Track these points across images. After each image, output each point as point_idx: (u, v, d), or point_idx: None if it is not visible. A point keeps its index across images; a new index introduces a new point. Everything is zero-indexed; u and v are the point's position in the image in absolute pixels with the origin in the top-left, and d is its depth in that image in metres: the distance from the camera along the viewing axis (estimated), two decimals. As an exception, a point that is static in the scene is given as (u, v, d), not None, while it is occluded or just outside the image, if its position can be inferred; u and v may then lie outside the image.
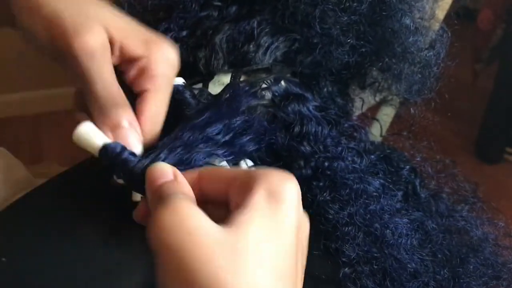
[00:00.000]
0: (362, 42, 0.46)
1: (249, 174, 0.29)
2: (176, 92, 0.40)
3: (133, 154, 0.34)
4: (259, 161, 0.42)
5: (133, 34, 0.35)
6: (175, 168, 0.32)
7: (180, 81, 0.42)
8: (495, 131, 1.74)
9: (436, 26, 0.51)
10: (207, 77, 0.45)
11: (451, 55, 0.51)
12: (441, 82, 0.52)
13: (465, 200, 0.48)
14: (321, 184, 0.42)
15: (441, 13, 0.77)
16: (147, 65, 0.35)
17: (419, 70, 0.49)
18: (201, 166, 0.34)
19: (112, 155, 0.33)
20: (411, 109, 0.52)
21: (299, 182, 0.42)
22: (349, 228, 0.41)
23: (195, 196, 0.31)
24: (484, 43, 1.72)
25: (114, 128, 0.34)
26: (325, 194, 0.42)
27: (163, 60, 0.35)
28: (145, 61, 0.35)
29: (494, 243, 0.46)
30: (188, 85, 0.43)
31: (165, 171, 0.31)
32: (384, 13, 0.45)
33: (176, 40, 0.46)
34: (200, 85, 0.45)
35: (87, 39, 0.32)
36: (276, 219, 0.27)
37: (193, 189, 0.31)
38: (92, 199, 0.40)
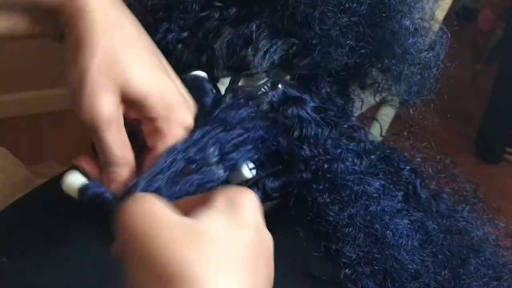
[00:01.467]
0: (361, 43, 0.46)
1: (208, 193, 0.30)
2: (197, 81, 0.42)
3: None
4: (259, 165, 0.43)
5: (155, 94, 0.35)
6: None
7: (203, 74, 0.43)
8: (495, 131, 1.74)
9: (436, 27, 0.51)
10: (213, 80, 0.45)
11: (450, 55, 0.50)
12: (441, 82, 0.51)
13: (465, 200, 0.48)
14: (321, 186, 0.42)
15: (441, 14, 0.77)
16: (162, 127, 0.36)
17: (419, 71, 0.49)
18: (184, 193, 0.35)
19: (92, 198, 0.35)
20: (411, 110, 0.52)
21: (299, 184, 0.43)
22: (350, 229, 0.41)
23: None
24: (484, 43, 1.71)
25: (117, 181, 0.36)
26: (325, 196, 0.42)
27: (178, 124, 0.36)
28: (161, 123, 0.36)
29: (495, 244, 0.46)
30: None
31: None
32: (383, 14, 0.45)
33: (177, 41, 0.46)
34: None
35: (96, 111, 0.33)
36: (236, 218, 0.28)
37: None
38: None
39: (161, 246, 0.25)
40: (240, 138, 0.38)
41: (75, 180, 0.36)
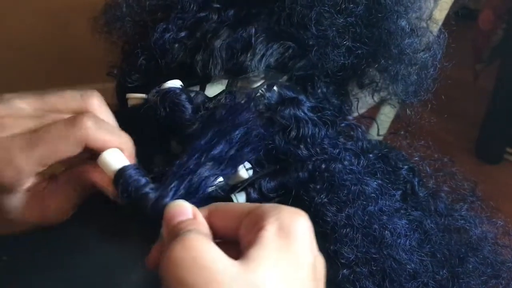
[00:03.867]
0: (358, 43, 0.46)
1: (258, 211, 0.29)
2: (173, 95, 0.41)
3: (145, 178, 0.34)
4: (256, 165, 0.43)
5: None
6: (194, 207, 0.31)
7: (178, 83, 0.42)
8: (495, 131, 1.74)
9: (435, 27, 0.51)
10: (204, 80, 0.45)
11: (449, 56, 0.50)
12: (441, 82, 0.51)
13: (464, 199, 0.48)
14: (318, 186, 0.42)
15: (440, 13, 0.77)
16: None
17: (416, 71, 0.49)
18: (207, 193, 0.35)
19: (129, 186, 0.34)
20: (408, 109, 0.52)
21: (296, 184, 0.43)
22: (347, 229, 0.41)
23: None
24: (484, 43, 1.71)
25: None
26: (322, 196, 0.42)
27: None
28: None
29: (493, 242, 0.46)
30: (185, 86, 0.43)
31: (184, 209, 0.31)
32: (380, 14, 0.45)
33: (175, 40, 0.46)
34: (197, 87, 0.45)
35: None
36: (290, 255, 0.27)
37: None
38: (91, 198, 0.41)
39: None
40: (244, 138, 0.38)
41: (115, 158, 0.35)
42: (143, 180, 0.34)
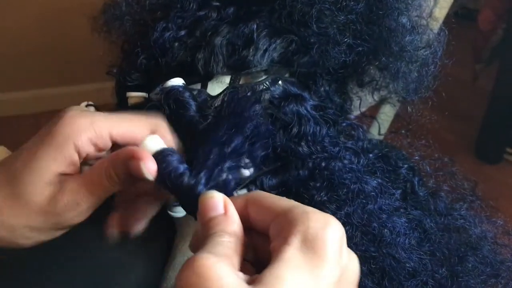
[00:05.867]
0: (359, 41, 0.46)
1: (289, 216, 0.27)
2: (176, 93, 0.41)
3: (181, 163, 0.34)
4: (263, 164, 0.42)
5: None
6: (227, 199, 0.31)
7: (180, 81, 0.42)
8: (495, 131, 1.74)
9: (436, 25, 0.51)
10: (205, 78, 0.45)
11: (449, 53, 0.50)
12: (441, 82, 0.51)
13: (463, 198, 0.48)
14: (318, 184, 0.42)
15: (439, 12, 0.77)
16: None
17: (416, 68, 0.49)
18: (232, 186, 0.35)
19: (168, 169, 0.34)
20: (408, 107, 0.52)
21: (296, 182, 0.43)
22: (347, 228, 0.41)
23: (242, 223, 0.30)
24: (484, 43, 1.71)
25: None
26: (322, 194, 0.42)
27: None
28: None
29: (493, 241, 0.46)
30: (187, 85, 0.43)
31: (216, 202, 0.30)
32: (380, 12, 0.45)
33: (175, 39, 0.46)
34: (198, 85, 0.45)
35: None
36: (313, 273, 0.25)
37: (240, 217, 0.30)
38: None
39: None
40: (254, 132, 0.38)
41: (154, 143, 0.35)
42: (181, 167, 0.34)
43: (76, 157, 0.34)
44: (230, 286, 0.24)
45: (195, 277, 0.24)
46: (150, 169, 0.32)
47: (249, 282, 0.25)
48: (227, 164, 0.34)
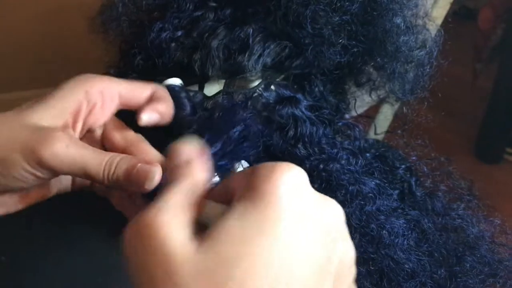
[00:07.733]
0: (354, 41, 0.46)
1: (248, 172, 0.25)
2: (173, 93, 0.41)
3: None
4: (255, 163, 0.42)
5: None
6: (199, 149, 0.29)
7: (178, 81, 0.42)
8: (495, 131, 1.74)
9: (432, 25, 0.51)
10: (202, 79, 0.45)
11: (448, 55, 0.50)
12: (440, 81, 0.51)
13: (461, 198, 0.48)
14: (316, 186, 0.42)
15: (438, 11, 0.77)
16: None
17: (412, 69, 0.49)
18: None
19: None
20: (405, 108, 0.52)
21: None
22: None
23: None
24: (484, 43, 1.71)
25: None
26: None
27: None
28: None
29: (491, 241, 0.46)
30: (184, 86, 0.43)
31: (185, 149, 0.28)
32: (375, 12, 0.45)
33: (171, 40, 0.46)
34: (196, 86, 0.45)
35: None
36: (258, 220, 0.22)
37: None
38: (91, 198, 0.40)
39: None
40: (242, 134, 0.38)
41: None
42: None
43: (84, 105, 0.34)
44: (174, 246, 0.22)
45: (138, 236, 0.23)
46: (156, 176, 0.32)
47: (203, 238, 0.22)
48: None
